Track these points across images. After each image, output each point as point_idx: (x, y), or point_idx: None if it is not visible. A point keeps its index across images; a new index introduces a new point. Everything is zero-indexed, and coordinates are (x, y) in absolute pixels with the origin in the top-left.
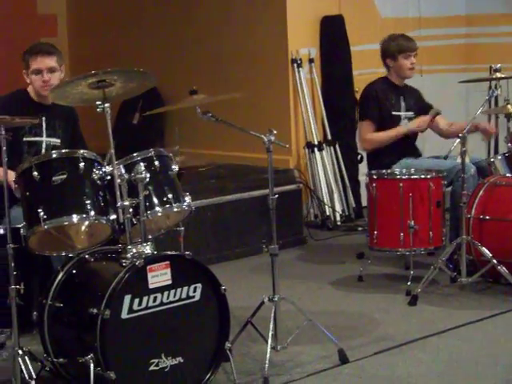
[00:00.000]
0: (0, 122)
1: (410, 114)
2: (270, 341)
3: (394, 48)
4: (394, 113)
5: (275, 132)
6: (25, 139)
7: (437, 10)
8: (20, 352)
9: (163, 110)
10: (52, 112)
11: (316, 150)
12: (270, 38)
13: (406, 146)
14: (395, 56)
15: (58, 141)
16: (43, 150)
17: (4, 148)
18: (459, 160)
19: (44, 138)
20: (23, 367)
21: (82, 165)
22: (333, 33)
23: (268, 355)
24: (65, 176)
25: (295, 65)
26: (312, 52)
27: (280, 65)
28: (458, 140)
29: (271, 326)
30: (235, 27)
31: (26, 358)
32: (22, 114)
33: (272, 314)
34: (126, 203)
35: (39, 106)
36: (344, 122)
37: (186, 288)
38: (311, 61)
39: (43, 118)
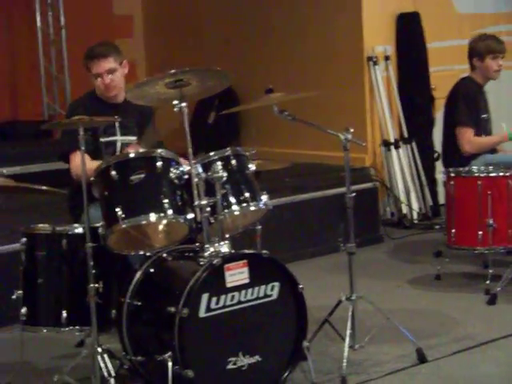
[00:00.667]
0: (79, 123)
1: (486, 116)
2: (347, 340)
3: (483, 48)
4: (483, 116)
5: (352, 130)
6: (101, 140)
7: None
8: (99, 350)
9: (240, 109)
10: (124, 110)
11: (392, 147)
12: (346, 35)
13: None
14: (483, 56)
15: (134, 138)
16: (119, 149)
17: (83, 148)
18: None
19: (119, 137)
20: (102, 365)
21: (159, 164)
22: (409, 30)
23: (346, 354)
24: (143, 175)
25: (371, 62)
26: (388, 49)
27: (356, 62)
28: None
29: (349, 324)
30: (311, 26)
31: (105, 355)
32: (96, 115)
33: (349, 313)
34: (204, 202)
35: (111, 105)
36: (421, 119)
37: (263, 287)
38: (387, 58)
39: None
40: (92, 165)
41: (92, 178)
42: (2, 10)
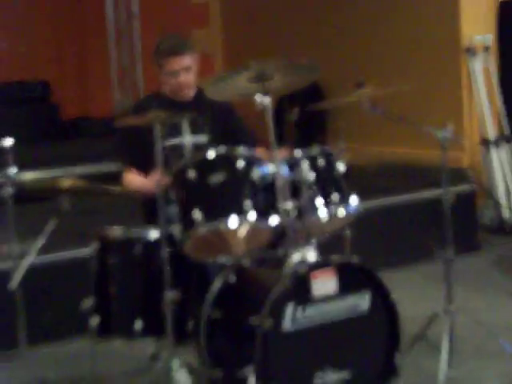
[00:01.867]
0: (155, 119)
1: None
2: (444, 355)
3: None
4: None
5: (450, 127)
6: (167, 142)
7: None
8: (175, 363)
9: (327, 105)
10: (195, 107)
11: (492, 146)
12: (442, 24)
13: None
14: None
15: (205, 139)
16: (188, 150)
17: (162, 147)
18: None
19: (187, 138)
20: (179, 379)
21: (241, 164)
22: None
23: (443, 371)
24: (223, 176)
25: (469, 53)
26: (488, 39)
27: (452, 53)
28: None
29: (446, 339)
30: (403, 14)
31: (182, 370)
32: None
33: (447, 327)
34: (289, 205)
35: (180, 103)
36: None
37: (353, 297)
38: (487, 49)
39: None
40: (142, 181)
41: (167, 180)
42: (68, 5)
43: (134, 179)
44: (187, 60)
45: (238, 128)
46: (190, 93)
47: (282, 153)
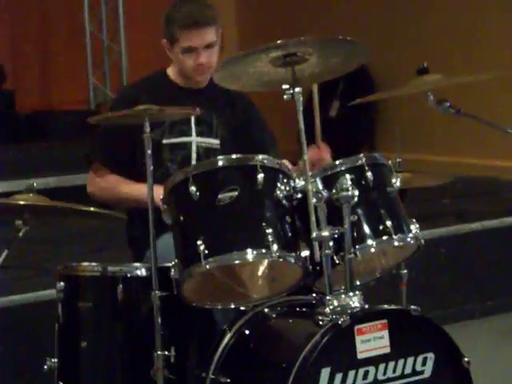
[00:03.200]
0: (145, 115)
1: None
2: None
3: None
4: None
5: None
6: (165, 141)
7: None
8: None
9: (379, 97)
10: (206, 100)
11: None
12: None
13: None
14: None
15: (217, 141)
16: (194, 155)
17: (149, 152)
18: None
19: (194, 138)
20: None
21: (260, 177)
22: None
23: None
24: (236, 193)
25: None
26: None
27: None
28: None
29: None
30: None
31: None
32: (167, 105)
33: None
34: (325, 234)
35: (189, 91)
36: None
37: (411, 359)
38: None
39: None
40: (126, 187)
41: (161, 197)
42: None
43: (123, 184)
44: (211, 34)
45: (259, 129)
46: (207, 79)
47: (314, 154)
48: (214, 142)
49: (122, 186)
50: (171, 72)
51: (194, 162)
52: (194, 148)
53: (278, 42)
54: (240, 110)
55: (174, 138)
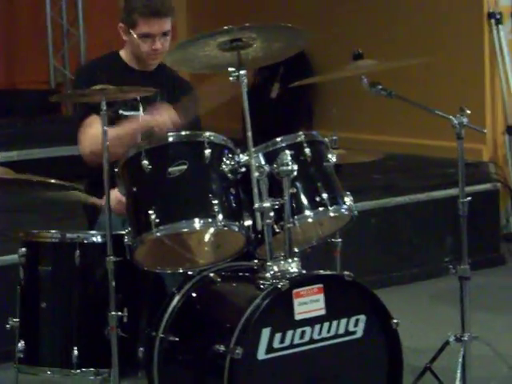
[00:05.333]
0: (102, 94)
1: None
2: None
3: None
4: None
5: (468, 112)
6: (121, 112)
7: None
8: None
9: (316, 80)
10: (156, 80)
11: None
12: None
13: None
14: None
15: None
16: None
17: (105, 128)
18: None
19: (141, 113)
20: None
21: (207, 152)
22: None
23: None
24: (185, 167)
25: (493, 21)
26: None
27: (472, 21)
28: None
29: (458, 374)
30: None
31: None
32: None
33: (460, 359)
34: (266, 204)
35: (140, 73)
36: None
37: (344, 320)
38: None
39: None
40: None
41: (116, 170)
42: None
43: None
44: (168, 24)
45: (193, 110)
46: (157, 63)
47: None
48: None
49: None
50: (124, 54)
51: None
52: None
53: (225, 28)
54: (181, 92)
55: (127, 111)
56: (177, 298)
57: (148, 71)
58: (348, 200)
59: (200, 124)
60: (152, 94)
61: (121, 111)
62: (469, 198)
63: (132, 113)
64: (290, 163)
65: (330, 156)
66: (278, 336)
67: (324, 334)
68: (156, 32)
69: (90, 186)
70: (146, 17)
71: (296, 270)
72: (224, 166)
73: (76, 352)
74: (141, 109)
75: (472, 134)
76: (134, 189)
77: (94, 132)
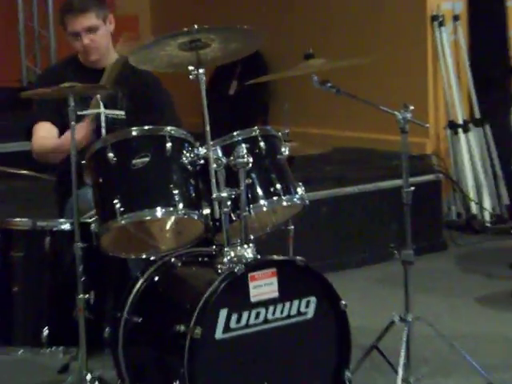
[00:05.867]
0: (69, 91)
1: None
2: (400, 371)
3: None
4: None
5: (412, 108)
6: (79, 113)
7: None
8: (88, 377)
9: (271, 78)
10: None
11: (460, 131)
12: None
13: None
14: None
15: (122, 112)
16: (103, 124)
17: (73, 123)
18: None
19: (102, 110)
20: None
21: (169, 145)
22: None
23: None
24: (147, 159)
25: (436, 23)
26: (457, 7)
27: (416, 23)
28: None
29: (402, 352)
30: None
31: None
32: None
33: (404, 338)
34: (224, 194)
35: (96, 71)
36: (497, 96)
37: (296, 302)
38: (456, 18)
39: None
40: (55, 140)
41: (83, 162)
42: None
43: (49, 135)
44: (91, 19)
45: (162, 106)
46: (106, 59)
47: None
48: (120, 112)
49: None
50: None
51: (103, 130)
52: (102, 118)
53: (185, 29)
54: (143, 87)
55: (85, 110)
56: (140, 282)
57: (101, 68)
58: (300, 190)
59: (178, 118)
60: (113, 91)
61: (79, 112)
62: (412, 188)
63: (91, 111)
64: (245, 156)
65: (283, 149)
66: (234, 317)
67: (277, 315)
68: (79, 28)
69: (61, 175)
70: (68, 14)
71: (251, 255)
72: (184, 159)
73: (46, 332)
74: (102, 106)
75: (416, 129)
76: (100, 180)
77: (38, 139)
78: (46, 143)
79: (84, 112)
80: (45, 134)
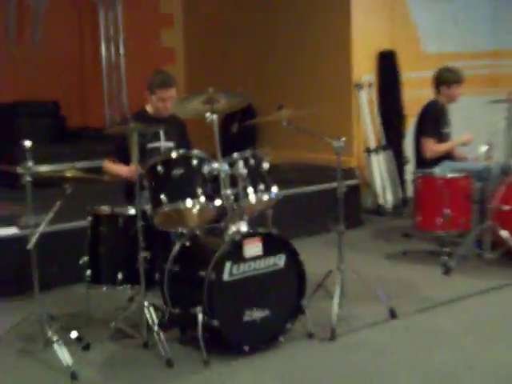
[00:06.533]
0: (134, 129)
1: (448, 130)
2: (336, 300)
3: (451, 78)
4: (445, 130)
5: (343, 139)
6: (149, 146)
7: (468, 46)
8: (146, 304)
9: (257, 121)
10: (167, 123)
11: (373, 153)
12: (339, 67)
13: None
14: (450, 84)
15: (172, 144)
16: (162, 150)
17: (136, 149)
18: (486, 162)
19: (162, 143)
20: (148, 315)
21: (195, 162)
22: (387, 63)
23: (335, 311)
24: (182, 170)
25: (358, 88)
26: (371, 78)
27: (347, 87)
28: (487, 147)
29: (338, 288)
30: (314, 61)
31: (151, 308)
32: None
33: (338, 279)
34: (228, 192)
35: (157, 119)
36: (395, 132)
37: (273, 257)
38: (370, 85)
39: (162, 128)
40: (115, 168)
41: (142, 171)
42: (74, 44)
43: (112, 166)
44: (174, 92)
45: (185, 138)
46: (167, 113)
47: None
48: (171, 144)
49: (107, 167)
50: (148, 108)
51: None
52: (162, 148)
53: (204, 91)
54: (181, 127)
55: (153, 143)
56: (177, 246)
57: (163, 117)
58: (275, 189)
59: (191, 145)
60: (169, 131)
61: (149, 145)
62: (344, 188)
63: (156, 144)
64: (241, 168)
65: (264, 164)
66: (235, 267)
67: (262, 266)
68: (167, 96)
69: (127, 182)
70: (163, 87)
71: (245, 229)
72: (204, 170)
73: (120, 276)
74: (162, 140)
75: (346, 151)
76: (153, 183)
77: (106, 166)
78: (111, 172)
79: (152, 145)
80: (108, 165)
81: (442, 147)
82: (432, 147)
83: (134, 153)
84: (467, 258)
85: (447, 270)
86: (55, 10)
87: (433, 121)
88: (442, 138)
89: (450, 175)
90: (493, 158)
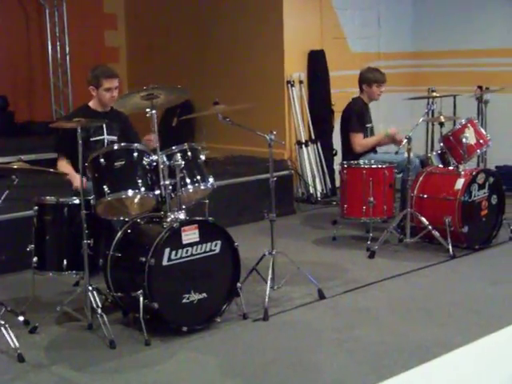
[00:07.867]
0: (78, 123)
1: (370, 125)
2: (269, 282)
3: (371, 78)
4: (367, 125)
5: (275, 133)
6: (92, 139)
7: (392, 47)
8: (90, 288)
9: (194, 116)
10: (110, 117)
11: (303, 146)
12: (273, 64)
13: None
14: (371, 84)
15: (115, 137)
16: (105, 144)
17: (80, 142)
18: (406, 155)
19: (105, 136)
20: (92, 299)
21: (135, 154)
22: (317, 62)
23: (267, 293)
24: (123, 162)
25: (289, 85)
26: (302, 76)
27: (279, 84)
28: (406, 140)
29: (270, 271)
30: (248, 58)
31: (94, 292)
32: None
33: (271, 264)
34: (167, 182)
35: (101, 113)
36: (323, 126)
37: (209, 244)
38: (301, 82)
39: (105, 122)
40: (69, 173)
41: (86, 164)
42: (22, 41)
43: (64, 167)
44: (117, 82)
45: (131, 131)
46: (114, 105)
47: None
48: (115, 137)
49: (61, 167)
50: (92, 104)
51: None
52: (105, 141)
53: (144, 87)
54: (124, 121)
55: (96, 136)
56: (120, 233)
57: (106, 111)
58: (211, 179)
59: (138, 135)
60: (111, 124)
61: (91, 138)
62: (275, 179)
63: (99, 137)
64: (179, 160)
65: (201, 156)
66: (173, 252)
67: (199, 251)
68: (113, 86)
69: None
70: (107, 77)
71: (183, 217)
72: (144, 162)
73: (65, 262)
74: (105, 133)
75: (278, 144)
76: (96, 174)
77: (61, 168)
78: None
79: (95, 138)
80: (61, 165)
81: (370, 141)
82: (361, 142)
83: (79, 147)
84: (390, 242)
85: (372, 254)
86: (2, 8)
87: (358, 117)
88: (365, 133)
89: (373, 166)
90: (412, 150)
